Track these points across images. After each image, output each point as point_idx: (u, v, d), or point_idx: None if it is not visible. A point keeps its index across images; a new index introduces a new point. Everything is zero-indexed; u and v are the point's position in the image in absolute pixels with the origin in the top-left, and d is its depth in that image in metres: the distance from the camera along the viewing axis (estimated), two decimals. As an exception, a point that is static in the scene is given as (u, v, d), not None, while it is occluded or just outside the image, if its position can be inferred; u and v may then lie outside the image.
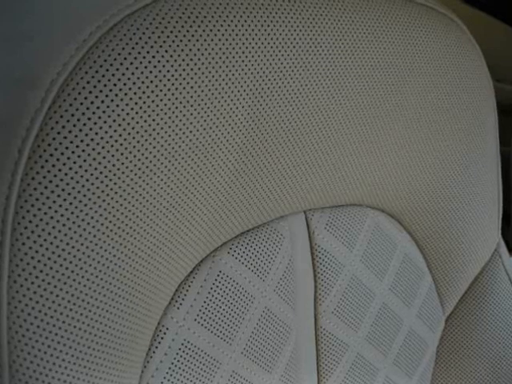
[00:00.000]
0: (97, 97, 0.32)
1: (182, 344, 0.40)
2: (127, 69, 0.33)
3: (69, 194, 0.32)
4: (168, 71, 0.34)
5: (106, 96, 0.32)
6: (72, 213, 0.32)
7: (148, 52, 0.34)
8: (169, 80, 0.34)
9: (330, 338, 0.51)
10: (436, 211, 0.56)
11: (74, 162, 0.32)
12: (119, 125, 0.33)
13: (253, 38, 0.38)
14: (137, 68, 0.33)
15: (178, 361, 0.40)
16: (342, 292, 0.51)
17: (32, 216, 0.31)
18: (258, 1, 0.38)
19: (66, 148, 0.32)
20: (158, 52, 0.34)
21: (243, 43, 0.37)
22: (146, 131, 0.34)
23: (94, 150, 0.32)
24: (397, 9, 0.47)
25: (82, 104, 0.32)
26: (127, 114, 0.33)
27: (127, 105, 0.33)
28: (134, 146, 0.34)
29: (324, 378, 0.51)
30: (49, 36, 0.34)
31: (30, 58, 0.33)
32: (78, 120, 0.32)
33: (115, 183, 0.33)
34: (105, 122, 0.32)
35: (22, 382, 0.31)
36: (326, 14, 0.42)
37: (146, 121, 0.34)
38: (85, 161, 0.32)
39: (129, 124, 0.33)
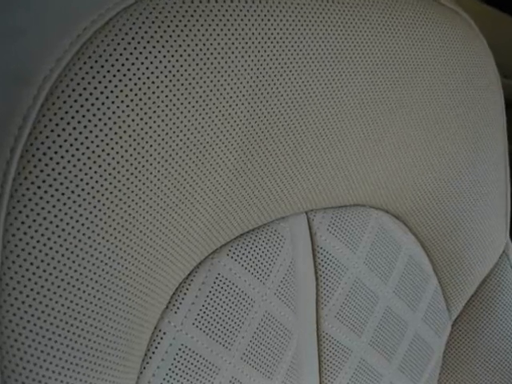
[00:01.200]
0: (91, 94, 0.32)
1: (180, 349, 0.40)
2: (123, 65, 0.33)
3: (62, 194, 0.32)
4: (165, 67, 0.34)
5: (101, 93, 0.32)
6: (66, 214, 0.32)
7: (145, 47, 0.34)
8: (166, 76, 0.34)
9: (333, 342, 0.51)
10: (442, 212, 0.56)
11: (68, 161, 0.32)
12: (114, 122, 0.33)
13: (253, 33, 0.38)
14: (133, 64, 0.33)
15: (176, 366, 0.40)
16: (345, 295, 0.51)
17: (25, 217, 0.31)
18: None
19: (60, 146, 0.31)
20: (154, 47, 0.34)
21: (243, 38, 0.37)
22: (142, 129, 0.34)
23: (88, 148, 0.32)
24: (401, 3, 0.47)
25: (76, 101, 0.32)
26: (123, 111, 0.33)
27: (123, 102, 0.33)
28: (130, 145, 0.34)
29: (326, 385, 0.51)
30: (42, 31, 0.34)
31: (23, 54, 0.33)
32: (72, 117, 0.32)
33: (110, 183, 0.33)
34: (99, 119, 0.32)
35: None
36: (328, 8, 0.42)
37: (142, 118, 0.34)
38: (79, 160, 0.32)
39: (124, 122, 0.33)
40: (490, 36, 0.60)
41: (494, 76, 0.58)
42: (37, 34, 0.33)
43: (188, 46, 0.35)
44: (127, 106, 0.33)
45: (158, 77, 0.34)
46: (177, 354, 0.40)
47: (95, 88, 0.32)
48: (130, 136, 0.33)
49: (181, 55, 0.35)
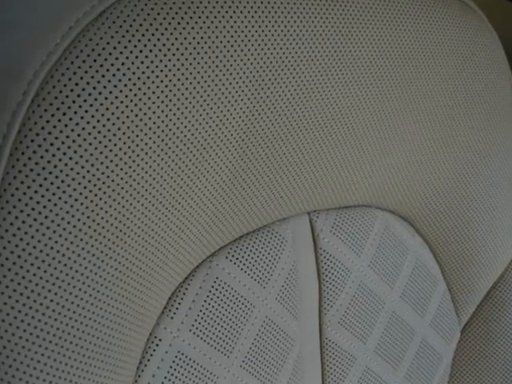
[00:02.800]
0: (84, 89, 0.32)
1: (176, 356, 0.40)
2: (117, 59, 0.33)
3: (53, 194, 0.32)
4: (161, 61, 0.34)
5: (94, 88, 0.32)
6: (57, 214, 0.32)
7: (139, 40, 0.34)
8: (162, 71, 0.34)
9: (336, 349, 0.51)
10: (451, 213, 0.56)
11: (60, 160, 0.32)
12: (108, 119, 0.33)
13: (252, 26, 0.38)
14: (127, 58, 0.33)
15: (172, 374, 0.40)
16: (349, 300, 0.51)
17: (14, 218, 0.31)
18: None
19: (51, 144, 0.32)
20: (149, 40, 0.34)
21: (242, 31, 0.37)
22: (136, 126, 0.34)
23: (80, 146, 0.32)
24: None
25: (67, 97, 0.32)
26: (117, 107, 0.33)
27: (117, 98, 0.33)
28: (125, 143, 0.34)
29: (330, 394, 0.51)
30: (32, 24, 0.34)
31: (12, 48, 0.33)
32: (64, 114, 0.32)
33: (103, 182, 0.33)
34: (92, 116, 0.32)
35: None
36: (330, 2, 0.42)
37: (136, 115, 0.34)
38: (71, 158, 0.32)
39: (118, 118, 0.33)
40: (499, 27, 0.60)
41: (505, 68, 0.58)
42: (27, 27, 0.34)
43: (185, 39, 0.35)
44: (121, 102, 0.33)
45: (153, 71, 0.34)
46: (173, 362, 0.40)
47: (88, 83, 0.32)
48: (124, 133, 0.33)
49: (177, 49, 0.35)
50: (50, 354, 0.32)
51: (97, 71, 0.33)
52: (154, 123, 0.35)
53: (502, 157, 0.58)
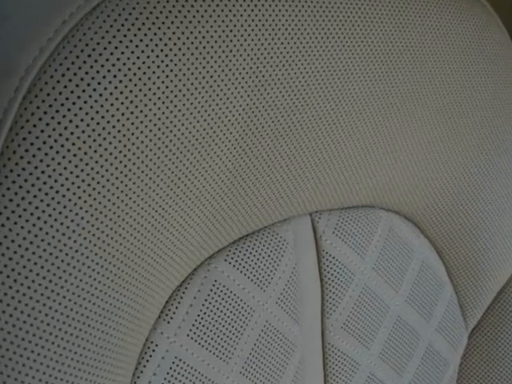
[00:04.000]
0: (77, 85, 0.32)
1: (174, 362, 0.40)
2: (112, 54, 0.33)
3: (46, 194, 0.32)
4: (157, 56, 0.34)
5: (88, 85, 0.32)
6: (50, 215, 0.32)
7: (135, 35, 0.34)
8: (158, 67, 0.34)
9: (339, 355, 0.51)
10: (458, 213, 0.56)
11: (53, 159, 0.32)
12: (102, 117, 0.33)
13: (252, 20, 0.38)
14: (123, 53, 0.33)
15: (169, 381, 0.40)
16: (353, 304, 0.51)
17: (5, 219, 0.31)
18: None
19: (44, 143, 0.31)
20: (145, 35, 0.34)
21: (241, 25, 0.37)
22: (132, 124, 0.34)
23: (74, 144, 0.32)
24: None
25: (61, 94, 0.32)
26: (111, 104, 0.33)
27: (112, 94, 0.33)
28: (120, 141, 0.34)
29: (332, 401, 0.51)
30: (25, 18, 0.34)
31: (4, 43, 0.33)
32: (57, 111, 0.32)
33: (98, 182, 0.33)
34: (86, 113, 0.32)
35: None
36: None
37: (132, 112, 0.34)
38: (64, 157, 0.32)
39: (113, 116, 0.33)
40: (505, 22, 0.60)
41: (515, 65, 0.58)
42: (18, 21, 0.33)
43: (182, 33, 0.35)
44: (116, 99, 0.33)
45: (149, 67, 0.34)
46: (170, 368, 0.40)
47: (82, 79, 0.32)
48: (119, 131, 0.33)
49: (174, 43, 0.35)
50: (42, 360, 0.32)
51: (91, 67, 0.33)
52: (150, 120, 0.34)
53: (511, 156, 0.58)
